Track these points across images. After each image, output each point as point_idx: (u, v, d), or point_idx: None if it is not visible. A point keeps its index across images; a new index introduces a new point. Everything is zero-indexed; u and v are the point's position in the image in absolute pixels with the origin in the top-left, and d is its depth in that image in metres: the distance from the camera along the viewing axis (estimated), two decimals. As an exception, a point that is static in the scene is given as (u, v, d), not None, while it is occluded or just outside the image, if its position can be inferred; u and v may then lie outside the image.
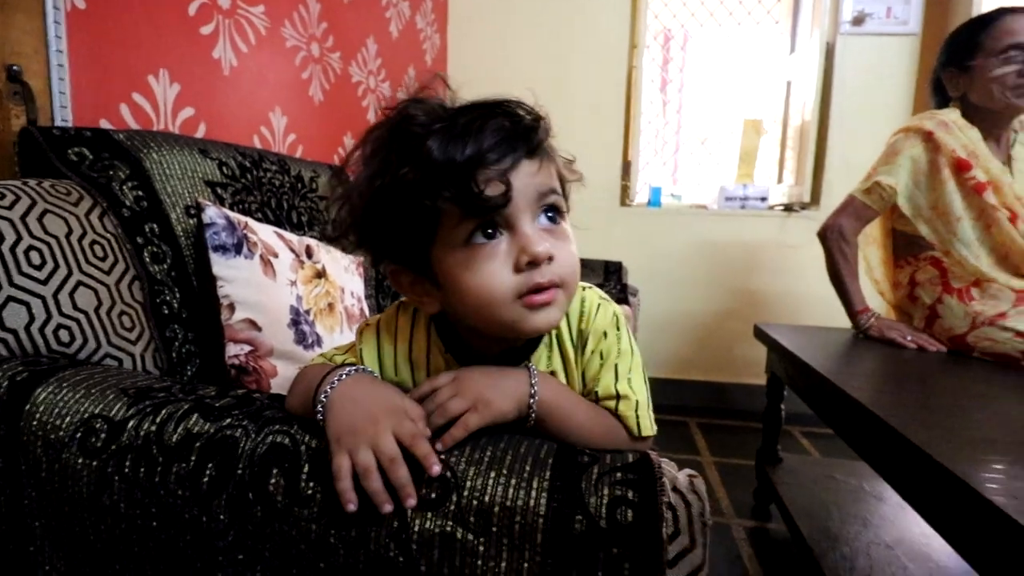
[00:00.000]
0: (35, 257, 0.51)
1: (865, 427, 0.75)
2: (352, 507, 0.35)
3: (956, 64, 1.15)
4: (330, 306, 0.84)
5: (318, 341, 0.78)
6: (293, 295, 0.76)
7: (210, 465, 0.39)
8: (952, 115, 1.15)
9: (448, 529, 0.36)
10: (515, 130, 0.39)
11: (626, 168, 2.07)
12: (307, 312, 0.78)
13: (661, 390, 2.05)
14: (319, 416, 0.40)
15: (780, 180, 2.24)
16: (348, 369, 0.42)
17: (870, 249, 1.32)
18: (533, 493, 0.36)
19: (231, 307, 0.67)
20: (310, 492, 0.38)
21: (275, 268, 0.74)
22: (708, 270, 2.05)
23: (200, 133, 0.93)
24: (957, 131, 1.13)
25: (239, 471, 0.39)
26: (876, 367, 1.04)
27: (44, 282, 0.51)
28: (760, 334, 1.32)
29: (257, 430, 0.41)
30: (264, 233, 0.75)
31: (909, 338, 1.13)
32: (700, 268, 2.05)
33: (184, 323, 0.66)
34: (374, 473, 0.35)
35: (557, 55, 2.05)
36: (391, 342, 0.49)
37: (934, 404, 0.79)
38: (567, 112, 1.97)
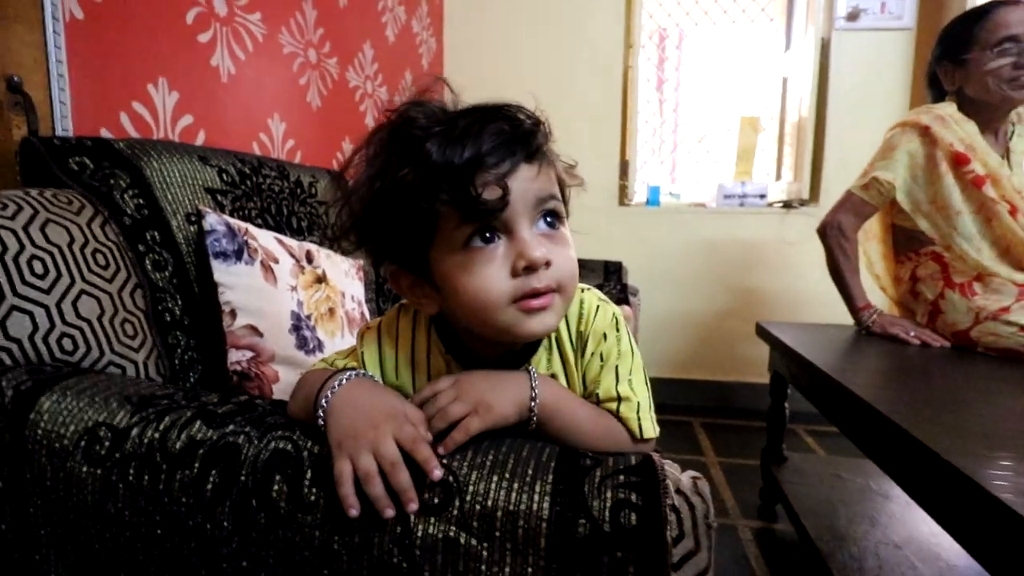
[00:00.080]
0: (38, 267, 0.51)
1: (870, 424, 0.75)
2: (354, 512, 0.35)
3: (951, 58, 1.15)
4: (331, 311, 0.84)
5: (319, 346, 0.78)
6: (294, 300, 0.76)
7: (213, 472, 0.39)
8: (948, 109, 1.15)
9: (451, 534, 0.36)
10: (514, 134, 0.39)
11: (624, 168, 2.07)
12: (308, 317, 0.78)
13: (664, 390, 2.04)
14: (320, 422, 0.40)
15: (779, 177, 2.24)
16: (348, 374, 0.43)
17: (870, 245, 1.32)
18: (536, 497, 0.36)
19: (232, 313, 0.67)
20: (313, 498, 0.38)
21: (276, 274, 0.74)
22: (708, 268, 2.05)
23: (199, 141, 0.93)
24: (954, 125, 1.12)
25: (242, 478, 0.39)
26: (879, 363, 1.04)
27: (47, 291, 0.51)
28: (762, 332, 1.31)
29: (260, 436, 0.41)
30: (264, 239, 0.76)
31: (912, 334, 1.13)
32: (700, 266, 2.05)
33: (186, 330, 0.66)
34: (376, 478, 0.35)
35: (552, 57, 2.05)
36: (392, 345, 0.49)
37: (939, 400, 0.79)
38: (564, 113, 1.97)
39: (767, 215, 2.01)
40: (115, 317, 0.57)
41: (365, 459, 0.36)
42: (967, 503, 0.53)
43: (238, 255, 0.69)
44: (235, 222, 0.72)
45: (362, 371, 0.45)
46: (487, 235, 0.40)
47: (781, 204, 2.03)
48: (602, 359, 0.47)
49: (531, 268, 0.40)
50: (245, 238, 0.71)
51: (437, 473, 0.36)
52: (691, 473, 0.39)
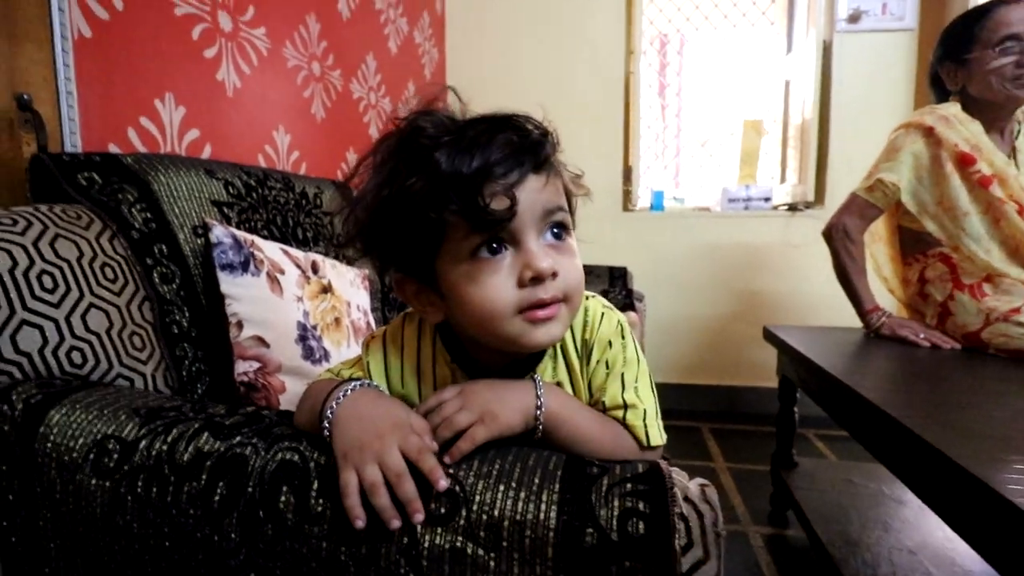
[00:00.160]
0: (47, 281, 0.52)
1: (881, 428, 0.74)
2: (360, 523, 0.35)
3: (953, 58, 1.14)
4: (336, 320, 0.84)
5: (325, 356, 0.78)
6: (300, 311, 0.76)
7: (221, 483, 0.40)
8: (952, 109, 1.14)
9: (458, 544, 0.35)
10: (522, 144, 0.39)
11: (627, 173, 2.08)
12: (314, 327, 0.78)
13: (671, 395, 2.03)
14: (326, 432, 0.40)
15: (783, 180, 2.23)
16: (353, 384, 0.43)
17: (877, 247, 1.31)
18: (543, 506, 0.36)
19: (239, 325, 0.67)
20: (320, 509, 0.38)
21: (282, 285, 0.75)
22: (714, 272, 2.04)
23: (206, 154, 0.94)
24: (958, 125, 1.12)
25: (249, 489, 0.39)
26: (889, 366, 1.02)
27: (56, 305, 0.52)
28: (770, 336, 1.30)
29: (267, 448, 0.41)
30: (270, 250, 0.76)
31: (922, 336, 1.11)
32: (705, 271, 2.04)
33: (193, 342, 0.67)
34: (381, 489, 0.35)
35: (554, 64, 2.06)
36: (397, 354, 0.49)
37: (950, 403, 0.78)
38: (566, 119, 1.94)
39: (772, 218, 2.01)
40: (123, 330, 0.57)
41: (370, 470, 0.36)
42: (982, 508, 0.52)
43: (244, 267, 0.69)
44: (241, 234, 0.72)
45: (367, 381, 0.45)
46: (494, 245, 0.40)
47: (786, 207, 2.02)
48: (608, 367, 0.47)
49: (538, 279, 0.40)
50: (251, 250, 0.72)
51: (443, 483, 0.36)
52: (699, 481, 0.39)
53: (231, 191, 0.80)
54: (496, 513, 0.36)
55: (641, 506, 0.35)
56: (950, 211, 1.13)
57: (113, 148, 0.78)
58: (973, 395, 0.83)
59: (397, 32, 1.74)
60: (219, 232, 0.69)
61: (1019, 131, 1.18)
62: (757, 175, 2.39)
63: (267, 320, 0.70)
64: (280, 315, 0.73)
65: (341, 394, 0.41)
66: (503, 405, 0.42)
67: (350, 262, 0.98)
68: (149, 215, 0.66)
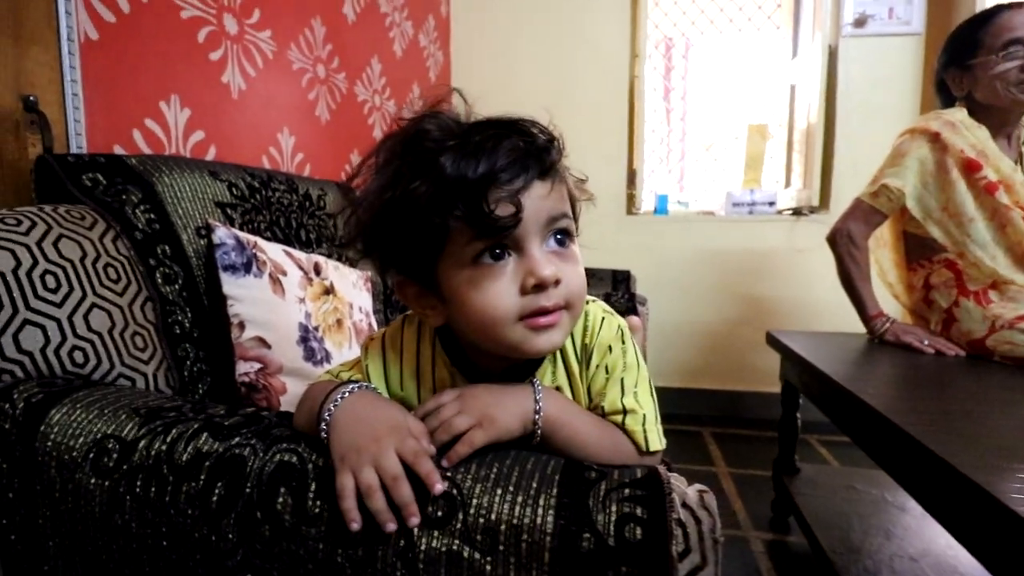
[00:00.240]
0: (50, 281, 0.52)
1: (883, 435, 0.74)
2: (356, 526, 0.35)
3: (958, 64, 1.14)
4: (338, 322, 0.84)
5: (327, 357, 0.78)
6: (302, 312, 0.77)
7: (219, 484, 0.40)
8: (959, 115, 1.14)
9: (455, 548, 0.35)
10: (528, 150, 0.39)
11: (631, 177, 2.07)
12: (316, 329, 0.78)
13: (673, 400, 2.02)
14: (323, 434, 0.40)
15: (788, 184, 2.22)
16: (351, 387, 0.43)
17: (882, 252, 1.30)
18: (540, 510, 0.35)
19: (241, 325, 0.68)
20: (317, 511, 0.38)
21: (284, 286, 0.75)
22: (717, 277, 2.03)
23: (211, 156, 0.95)
24: (964, 131, 1.11)
25: (247, 490, 0.39)
26: (893, 373, 1.02)
27: (59, 305, 0.52)
28: (773, 341, 1.30)
29: (265, 449, 0.41)
30: (273, 252, 0.76)
31: (926, 342, 1.11)
32: (709, 275, 2.03)
33: (195, 342, 0.67)
34: (377, 492, 0.35)
35: (559, 68, 2.07)
36: (397, 357, 0.49)
37: (954, 410, 0.77)
38: (571, 123, 1.95)
39: (777, 223, 2.00)
40: (125, 330, 0.57)
41: (367, 473, 0.36)
42: (984, 516, 0.52)
43: (247, 268, 0.70)
44: (244, 235, 0.73)
45: (365, 384, 0.45)
46: (497, 251, 0.40)
47: (791, 211, 2.01)
48: (607, 371, 0.46)
49: (540, 286, 0.39)
50: (254, 251, 0.72)
51: (439, 487, 0.36)
52: (698, 487, 0.39)
53: (235, 192, 0.81)
54: (493, 517, 0.36)
55: (639, 511, 0.35)
56: (955, 217, 1.12)
57: (118, 149, 0.78)
58: (977, 403, 0.82)
59: (402, 35, 1.74)
60: (222, 233, 0.69)
61: (1026, 137, 1.17)
62: (762, 179, 2.39)
63: (269, 321, 0.70)
64: (282, 316, 0.73)
65: (339, 396, 0.41)
66: (502, 409, 0.41)
67: (353, 264, 0.98)
68: (153, 216, 0.67)
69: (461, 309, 0.41)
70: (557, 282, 0.40)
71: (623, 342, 0.47)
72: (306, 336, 0.76)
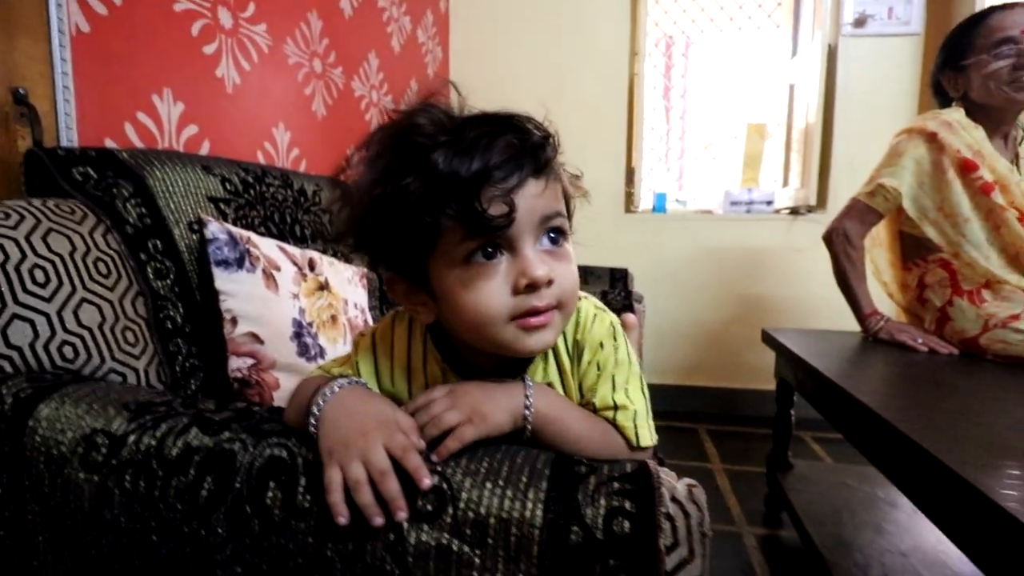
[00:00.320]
0: (39, 275, 0.52)
1: (875, 432, 0.74)
2: (343, 520, 0.35)
3: (952, 65, 1.15)
4: (333, 318, 0.84)
5: (321, 353, 0.78)
6: (296, 308, 0.76)
7: (208, 479, 0.40)
8: (956, 115, 1.14)
9: (444, 541, 0.35)
10: (523, 148, 0.39)
11: (630, 175, 2.07)
12: (310, 324, 0.78)
13: (669, 397, 2.03)
14: (312, 429, 0.40)
15: (786, 183, 2.22)
16: (341, 381, 0.42)
17: (877, 251, 1.30)
18: (529, 504, 0.35)
19: (233, 321, 0.67)
20: (307, 505, 0.37)
21: (277, 281, 0.75)
22: (714, 275, 2.03)
23: (204, 150, 0.94)
24: (961, 131, 1.12)
25: (237, 484, 0.39)
26: (886, 371, 1.02)
27: (48, 299, 0.52)
28: (768, 339, 1.30)
29: (255, 443, 0.41)
30: (266, 247, 0.76)
31: (920, 340, 1.11)
32: (706, 273, 2.04)
33: (187, 337, 0.67)
34: (365, 487, 0.35)
35: (558, 64, 2.06)
36: (387, 353, 0.49)
37: (946, 408, 0.77)
38: (569, 120, 1.97)
39: (774, 222, 2.00)
40: (116, 325, 0.57)
41: (355, 467, 0.36)
42: (973, 513, 0.52)
43: (239, 263, 0.69)
44: (237, 230, 0.72)
45: (355, 379, 0.45)
46: (489, 250, 0.39)
47: (788, 211, 2.02)
48: (599, 368, 0.46)
49: (533, 287, 0.39)
50: (247, 246, 0.72)
51: (426, 482, 0.36)
52: (687, 481, 0.39)
53: (228, 187, 0.80)
54: (483, 511, 0.36)
55: (627, 505, 0.35)
56: (951, 217, 1.12)
57: (110, 143, 0.78)
58: (969, 401, 0.83)
59: (400, 30, 1.74)
60: (214, 228, 0.69)
61: (1022, 137, 1.17)
62: (760, 178, 2.39)
63: (262, 317, 0.70)
64: (275, 312, 0.73)
65: (328, 391, 0.41)
66: (492, 405, 0.41)
67: (348, 260, 0.98)
68: (144, 210, 0.66)
69: (452, 308, 0.41)
70: (550, 282, 0.40)
71: (615, 339, 0.47)
72: (300, 332, 0.76)
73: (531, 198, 0.39)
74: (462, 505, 0.36)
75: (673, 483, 0.38)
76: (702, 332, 2.06)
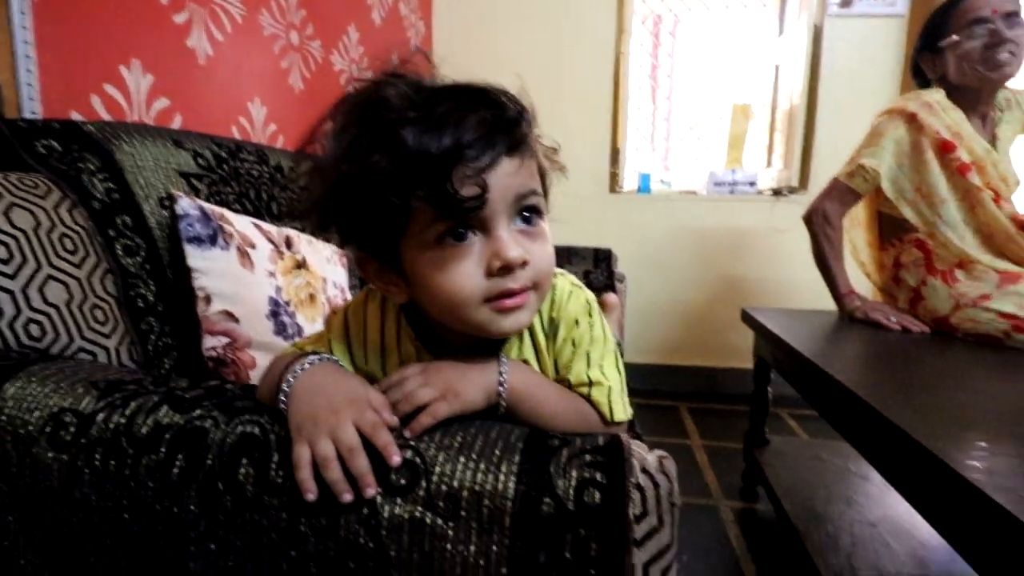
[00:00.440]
0: (2, 251, 0.50)
1: (846, 407, 0.76)
2: (311, 496, 0.35)
3: (930, 48, 1.17)
4: (311, 297, 0.83)
5: (299, 332, 0.78)
6: (272, 286, 0.75)
7: (180, 456, 0.39)
8: (936, 95, 1.15)
9: (417, 515, 0.36)
10: (496, 123, 0.37)
11: (615, 155, 2.06)
12: (287, 303, 0.77)
13: (651, 375, 2.06)
14: (282, 406, 0.39)
15: (769, 164, 2.23)
16: (312, 358, 0.42)
17: (856, 232, 1.32)
18: (502, 477, 0.36)
19: (207, 299, 0.66)
20: (280, 481, 0.37)
21: (252, 259, 0.73)
22: (697, 255, 2.05)
23: (176, 124, 0.91)
24: (941, 112, 1.13)
25: (208, 461, 0.39)
26: (860, 349, 1.05)
27: (12, 276, 0.50)
28: (747, 318, 1.32)
29: (227, 420, 0.40)
30: (241, 224, 0.75)
31: (893, 319, 1.14)
32: (689, 254, 2.05)
33: (160, 316, 0.66)
34: (333, 463, 0.35)
35: (544, 41, 2.03)
36: (360, 332, 0.48)
37: (916, 384, 0.80)
38: (554, 99, 1.95)
39: (757, 203, 2.01)
40: (84, 303, 0.56)
41: (323, 444, 0.35)
42: (939, 484, 0.54)
43: (212, 240, 0.68)
44: (209, 207, 0.71)
45: (326, 356, 0.44)
46: (461, 232, 0.38)
47: (771, 192, 2.03)
48: (574, 345, 0.46)
49: (507, 268, 0.38)
50: (220, 223, 0.70)
51: (396, 459, 0.36)
52: (659, 453, 0.39)
53: (200, 163, 0.78)
54: (456, 483, 0.36)
55: (598, 476, 0.35)
56: (928, 198, 1.14)
57: (76, 116, 0.75)
58: (940, 378, 0.85)
59: (381, 3, 1.69)
60: (185, 204, 0.67)
61: (1000, 119, 1.19)
62: (744, 159, 2.40)
63: (237, 295, 0.69)
64: (251, 290, 0.72)
65: (299, 368, 0.41)
66: (466, 382, 0.41)
67: (328, 238, 0.96)
68: (112, 185, 0.64)
69: (425, 290, 0.40)
70: (524, 263, 0.39)
71: (590, 315, 0.47)
72: (277, 310, 0.75)
73: (505, 177, 0.38)
74: (435, 479, 0.36)
75: (644, 454, 0.38)
76: (684, 312, 2.08)
